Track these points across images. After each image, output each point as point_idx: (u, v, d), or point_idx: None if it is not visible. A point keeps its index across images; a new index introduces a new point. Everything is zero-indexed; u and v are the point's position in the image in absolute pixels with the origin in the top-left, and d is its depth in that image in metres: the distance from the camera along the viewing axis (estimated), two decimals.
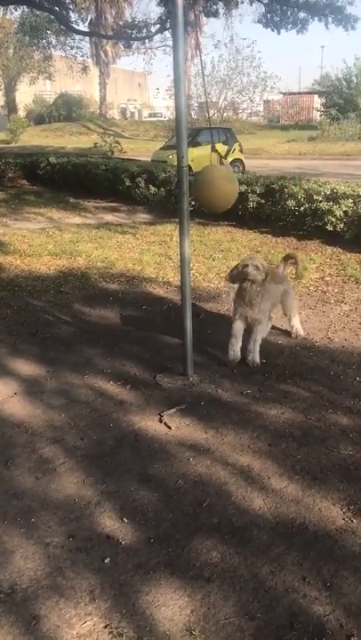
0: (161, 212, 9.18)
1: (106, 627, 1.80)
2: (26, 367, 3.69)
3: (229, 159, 15.42)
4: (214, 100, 32.87)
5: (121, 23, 23.70)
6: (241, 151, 16.12)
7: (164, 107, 38.73)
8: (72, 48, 28.08)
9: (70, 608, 1.87)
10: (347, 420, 3.01)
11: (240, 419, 3.03)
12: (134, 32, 17.47)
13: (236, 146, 15.83)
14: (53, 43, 26.21)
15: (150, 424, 2.99)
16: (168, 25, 14.98)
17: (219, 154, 3.23)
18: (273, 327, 4.20)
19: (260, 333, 3.70)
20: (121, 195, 10.32)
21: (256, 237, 7.37)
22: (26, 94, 40.14)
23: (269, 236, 7.41)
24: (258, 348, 3.67)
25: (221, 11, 17.24)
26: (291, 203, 7.17)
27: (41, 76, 36.96)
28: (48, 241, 7.29)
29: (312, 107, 35.87)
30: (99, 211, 9.77)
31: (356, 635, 1.76)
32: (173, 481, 2.52)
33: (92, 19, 26.29)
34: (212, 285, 5.40)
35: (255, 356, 3.64)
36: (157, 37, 19.47)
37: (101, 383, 3.45)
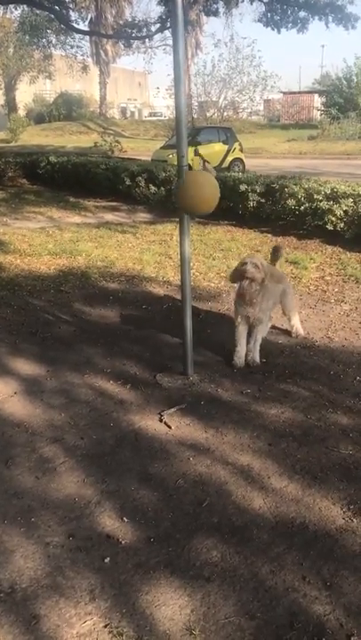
0: (161, 212, 9.18)
1: (106, 626, 1.80)
2: (26, 366, 3.69)
3: (230, 158, 15.48)
4: (214, 99, 32.90)
5: (121, 22, 23.70)
6: (241, 150, 16.13)
7: (164, 106, 38.74)
8: (72, 47, 28.12)
9: (70, 607, 1.87)
10: (347, 419, 3.01)
11: (240, 418, 3.03)
12: (134, 31, 17.48)
13: (236, 145, 15.84)
14: (53, 42, 26.23)
15: (150, 423, 2.99)
16: (168, 24, 14.98)
17: (202, 158, 3.19)
18: (273, 327, 4.19)
19: (261, 333, 3.70)
20: (121, 194, 10.32)
21: (256, 237, 7.37)
22: (26, 93, 40.13)
23: (270, 235, 7.41)
24: (258, 348, 3.67)
25: (222, 10, 17.27)
26: (291, 202, 7.17)
27: (41, 76, 36.95)
28: (48, 240, 7.29)
29: (312, 106, 35.88)
30: (99, 210, 9.76)
31: (357, 634, 1.76)
32: (173, 480, 2.52)
33: (92, 18, 26.26)
34: (213, 285, 5.40)
35: (255, 356, 3.64)
36: (158, 36, 19.58)
37: (101, 382, 3.45)
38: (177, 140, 3.19)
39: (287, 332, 4.14)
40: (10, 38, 31.33)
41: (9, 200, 10.76)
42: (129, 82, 55.25)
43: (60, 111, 38.89)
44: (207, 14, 18.06)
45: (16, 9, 20.60)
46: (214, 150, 15.13)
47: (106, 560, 2.06)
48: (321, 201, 6.82)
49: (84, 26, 22.51)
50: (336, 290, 5.16)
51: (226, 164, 15.15)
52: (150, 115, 47.15)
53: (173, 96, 3.08)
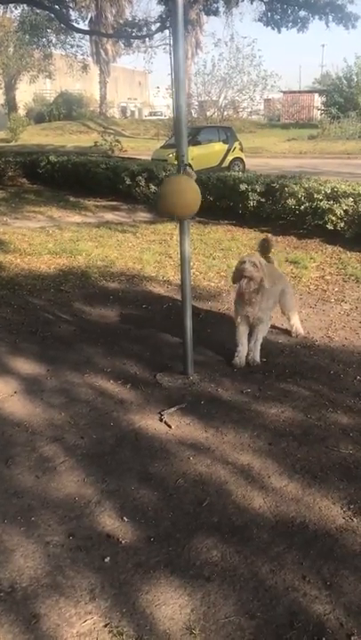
0: None
1: (106, 625, 1.80)
2: (26, 366, 3.69)
3: (230, 158, 15.47)
4: (215, 98, 32.89)
5: (121, 21, 23.66)
6: (241, 150, 16.12)
7: (164, 105, 38.73)
8: (72, 46, 28.03)
9: (70, 607, 1.87)
10: (347, 418, 3.00)
11: (240, 417, 3.03)
12: (134, 30, 17.45)
13: (236, 144, 15.83)
14: (53, 41, 26.17)
15: (150, 423, 2.99)
16: (168, 23, 14.96)
17: (183, 162, 3.17)
18: (273, 326, 4.19)
19: (262, 333, 3.70)
20: (121, 193, 10.32)
21: (256, 236, 7.35)
22: (26, 93, 40.09)
23: (270, 234, 7.40)
24: (259, 348, 3.67)
25: (222, 9, 17.24)
26: (291, 201, 7.16)
27: (41, 75, 36.91)
28: (48, 240, 7.29)
29: (312, 105, 35.88)
30: (99, 209, 9.76)
31: (357, 634, 1.76)
32: (173, 480, 2.52)
33: (92, 17, 26.29)
34: (213, 284, 5.39)
35: (255, 355, 3.64)
36: (158, 36, 19.51)
37: (101, 382, 3.45)
38: (177, 140, 3.19)
39: (287, 332, 4.14)
40: (10, 38, 31.29)
41: (9, 199, 10.76)
42: (129, 81, 55.22)
43: (60, 110, 38.86)
44: (207, 14, 18.02)
45: (16, 8, 20.62)
46: (214, 150, 15.14)
47: (106, 559, 2.06)
48: (321, 200, 6.81)
49: (84, 25, 22.54)
50: (336, 289, 5.16)
51: (226, 164, 15.14)
52: (150, 114, 47.15)
53: (173, 95, 3.07)
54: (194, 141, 13.95)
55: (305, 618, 1.81)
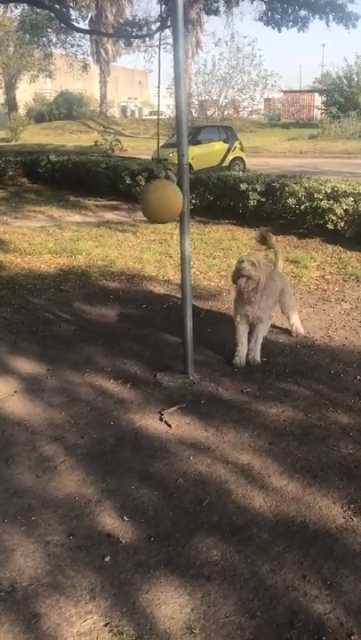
0: None
1: (106, 625, 1.80)
2: (26, 365, 3.69)
3: (230, 157, 15.47)
4: (215, 98, 32.86)
5: (121, 21, 23.67)
6: (242, 149, 16.11)
7: (164, 105, 38.68)
8: (72, 46, 28.08)
9: (70, 606, 1.87)
10: (347, 418, 3.00)
11: (240, 417, 3.03)
12: (135, 30, 17.45)
13: (236, 144, 15.82)
14: (54, 41, 26.22)
15: (151, 422, 2.99)
16: (169, 23, 14.96)
17: (164, 166, 3.17)
18: (273, 326, 4.19)
19: (262, 332, 3.70)
20: (121, 193, 10.31)
21: None
22: (26, 92, 40.08)
23: (270, 234, 7.39)
24: (259, 347, 3.66)
25: (222, 8, 17.23)
26: (291, 201, 7.16)
27: (41, 74, 36.91)
28: (48, 239, 7.29)
29: (313, 105, 35.85)
30: (99, 209, 9.76)
31: (357, 633, 1.76)
32: (174, 479, 2.52)
33: (92, 16, 26.26)
34: (213, 284, 5.39)
35: (256, 355, 3.64)
36: (158, 35, 19.44)
37: (102, 381, 3.45)
38: (177, 139, 3.19)
39: (287, 331, 4.14)
40: (10, 37, 31.27)
41: (9, 199, 10.75)
42: (129, 80, 55.17)
43: (60, 110, 38.83)
44: (208, 13, 18.01)
45: (16, 8, 20.63)
46: (215, 149, 15.13)
47: (106, 559, 2.06)
48: (321, 200, 6.81)
49: (84, 24, 22.52)
50: (336, 289, 5.15)
51: (226, 163, 15.14)
52: (151, 113, 47.06)
53: (174, 95, 3.07)
54: (194, 141, 13.94)
55: (305, 617, 1.81)
